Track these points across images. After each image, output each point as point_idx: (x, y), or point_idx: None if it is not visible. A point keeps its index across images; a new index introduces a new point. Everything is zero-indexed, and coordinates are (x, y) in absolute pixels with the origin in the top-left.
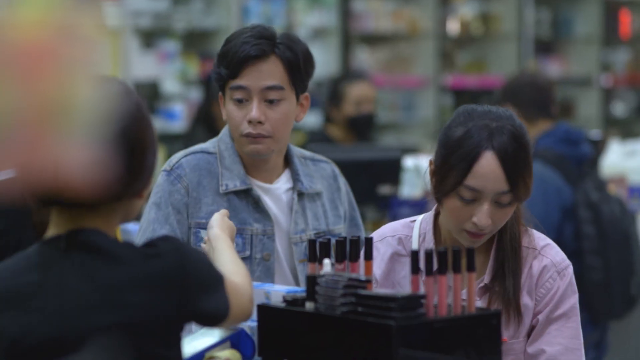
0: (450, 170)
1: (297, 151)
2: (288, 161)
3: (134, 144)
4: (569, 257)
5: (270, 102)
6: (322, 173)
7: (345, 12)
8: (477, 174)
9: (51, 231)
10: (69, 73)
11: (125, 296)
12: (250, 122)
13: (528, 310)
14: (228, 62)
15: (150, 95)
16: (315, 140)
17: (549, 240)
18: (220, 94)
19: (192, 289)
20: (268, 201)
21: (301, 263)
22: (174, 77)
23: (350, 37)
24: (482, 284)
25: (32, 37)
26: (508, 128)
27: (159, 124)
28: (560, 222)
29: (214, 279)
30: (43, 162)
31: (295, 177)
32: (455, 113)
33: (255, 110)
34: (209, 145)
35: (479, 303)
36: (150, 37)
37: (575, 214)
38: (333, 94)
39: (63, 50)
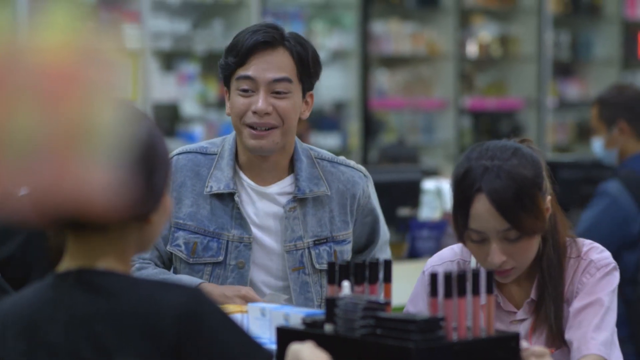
0: (456, 215)
1: (316, 152)
2: (293, 164)
3: (142, 167)
4: (627, 284)
5: (277, 93)
6: (339, 176)
7: (365, 35)
8: (475, 217)
9: (66, 262)
10: (91, 96)
11: (115, 344)
12: (255, 112)
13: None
14: (237, 51)
15: (169, 117)
16: None
17: (594, 244)
18: (225, 89)
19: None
20: (260, 206)
21: (294, 272)
22: (193, 99)
23: (369, 59)
24: (528, 300)
25: (55, 61)
26: (504, 167)
27: (179, 146)
28: (619, 247)
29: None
30: (64, 185)
31: (295, 182)
32: (465, 152)
33: (261, 101)
34: (213, 143)
35: (526, 324)
36: (170, 59)
37: None
38: None
39: (85, 74)
